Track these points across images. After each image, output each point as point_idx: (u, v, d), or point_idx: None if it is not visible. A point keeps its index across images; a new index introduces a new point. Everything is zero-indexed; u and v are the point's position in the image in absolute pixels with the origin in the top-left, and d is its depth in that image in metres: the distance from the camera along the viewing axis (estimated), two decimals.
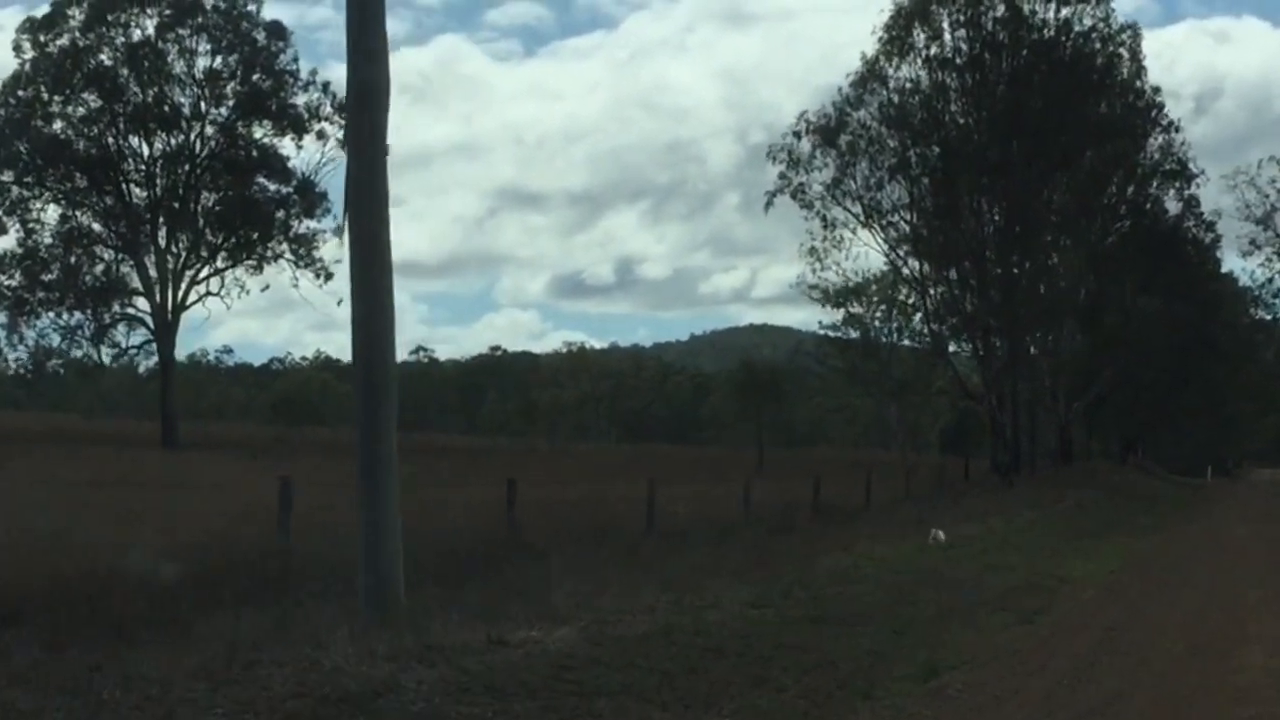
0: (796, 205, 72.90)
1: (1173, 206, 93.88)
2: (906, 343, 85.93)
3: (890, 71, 71.88)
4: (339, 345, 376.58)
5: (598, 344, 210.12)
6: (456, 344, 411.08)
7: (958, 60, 71.80)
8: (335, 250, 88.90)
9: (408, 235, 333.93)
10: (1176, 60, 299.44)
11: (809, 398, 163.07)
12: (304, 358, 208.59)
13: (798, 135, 72.28)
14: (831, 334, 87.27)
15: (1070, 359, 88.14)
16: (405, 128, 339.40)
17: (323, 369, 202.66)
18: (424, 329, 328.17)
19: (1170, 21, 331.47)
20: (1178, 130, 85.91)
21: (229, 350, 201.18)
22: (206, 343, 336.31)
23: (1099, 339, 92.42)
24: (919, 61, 71.71)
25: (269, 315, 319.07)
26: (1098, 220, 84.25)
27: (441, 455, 61.11)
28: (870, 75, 71.78)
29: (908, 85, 71.64)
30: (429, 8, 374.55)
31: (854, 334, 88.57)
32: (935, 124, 71.61)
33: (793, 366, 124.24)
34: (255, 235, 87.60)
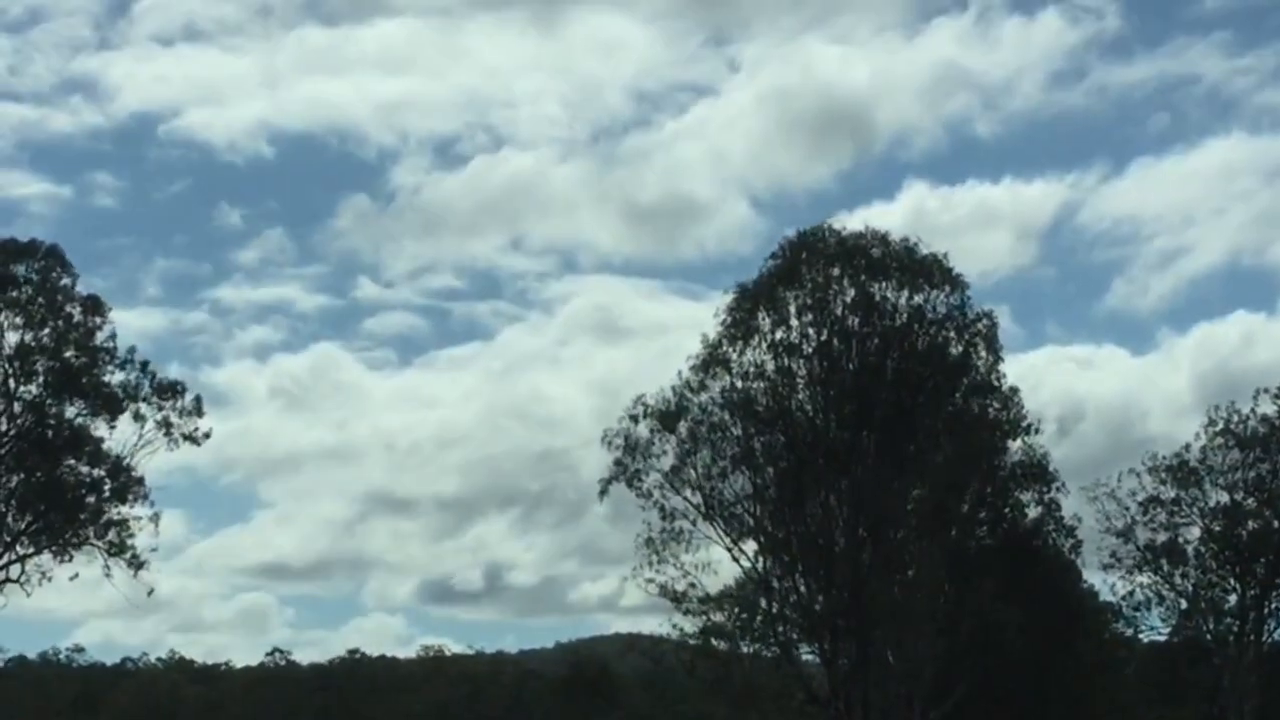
0: (633, 495, 68.56)
1: (1033, 512, 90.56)
2: (754, 647, 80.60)
3: (734, 356, 68.19)
4: (207, 647, 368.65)
5: (465, 650, 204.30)
6: (323, 647, 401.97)
7: (805, 347, 68.25)
8: (150, 538, 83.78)
9: (276, 538, 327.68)
10: (1039, 384, 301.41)
11: (671, 705, 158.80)
12: (159, 658, 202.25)
13: (634, 419, 68.38)
14: (691, 641, 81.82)
15: (926, 665, 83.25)
16: (278, 432, 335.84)
17: (175, 670, 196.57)
18: (290, 631, 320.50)
19: (1033, 346, 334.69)
20: (1037, 432, 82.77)
21: (80, 649, 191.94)
22: (65, 640, 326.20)
23: (957, 646, 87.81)
24: (764, 346, 68.08)
25: (130, 616, 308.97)
26: (955, 522, 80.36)
27: None
28: (712, 360, 68.05)
29: (751, 370, 67.85)
30: (305, 315, 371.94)
31: (717, 643, 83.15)
32: (781, 411, 67.89)
33: (658, 674, 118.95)
34: (61, 520, 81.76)
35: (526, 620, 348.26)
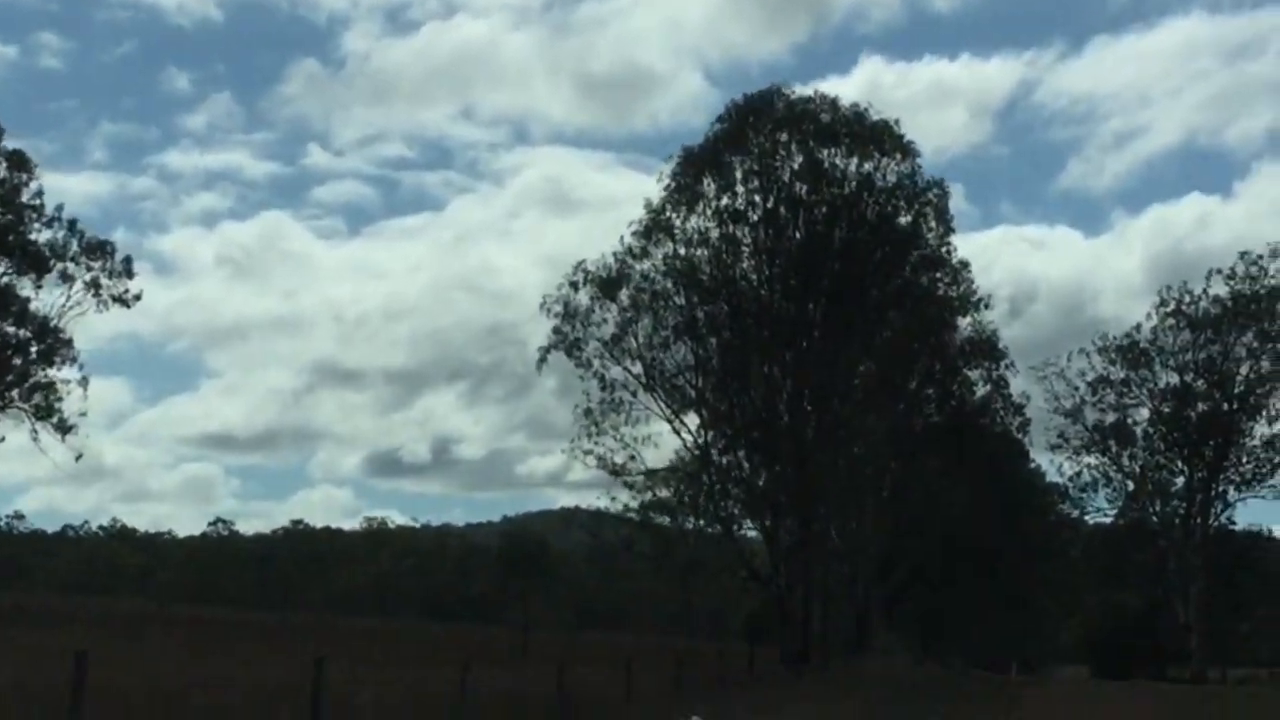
0: (572, 364, 66.54)
1: (981, 390, 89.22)
2: (696, 523, 78.86)
3: (677, 223, 65.89)
4: (150, 517, 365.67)
5: (410, 523, 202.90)
6: (268, 519, 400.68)
7: (751, 215, 65.98)
8: (79, 402, 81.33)
9: (222, 408, 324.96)
10: (992, 263, 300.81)
11: (612, 581, 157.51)
12: (101, 527, 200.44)
13: (574, 286, 66.12)
14: (635, 516, 79.99)
15: (869, 543, 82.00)
16: (225, 301, 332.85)
17: (117, 538, 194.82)
18: (235, 502, 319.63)
19: (986, 226, 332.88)
20: (987, 307, 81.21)
21: (20, 516, 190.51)
22: (10, 507, 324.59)
23: (902, 524, 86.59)
24: (708, 213, 65.78)
25: (74, 484, 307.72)
26: (902, 398, 78.82)
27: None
28: (655, 226, 65.73)
29: (695, 237, 65.62)
30: (253, 182, 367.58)
31: (657, 518, 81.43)
32: (725, 281, 65.72)
33: (599, 549, 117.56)
34: None
35: (473, 494, 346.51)
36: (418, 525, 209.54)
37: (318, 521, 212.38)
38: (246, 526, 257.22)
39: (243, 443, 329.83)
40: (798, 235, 66.00)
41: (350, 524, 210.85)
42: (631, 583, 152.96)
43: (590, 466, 67.23)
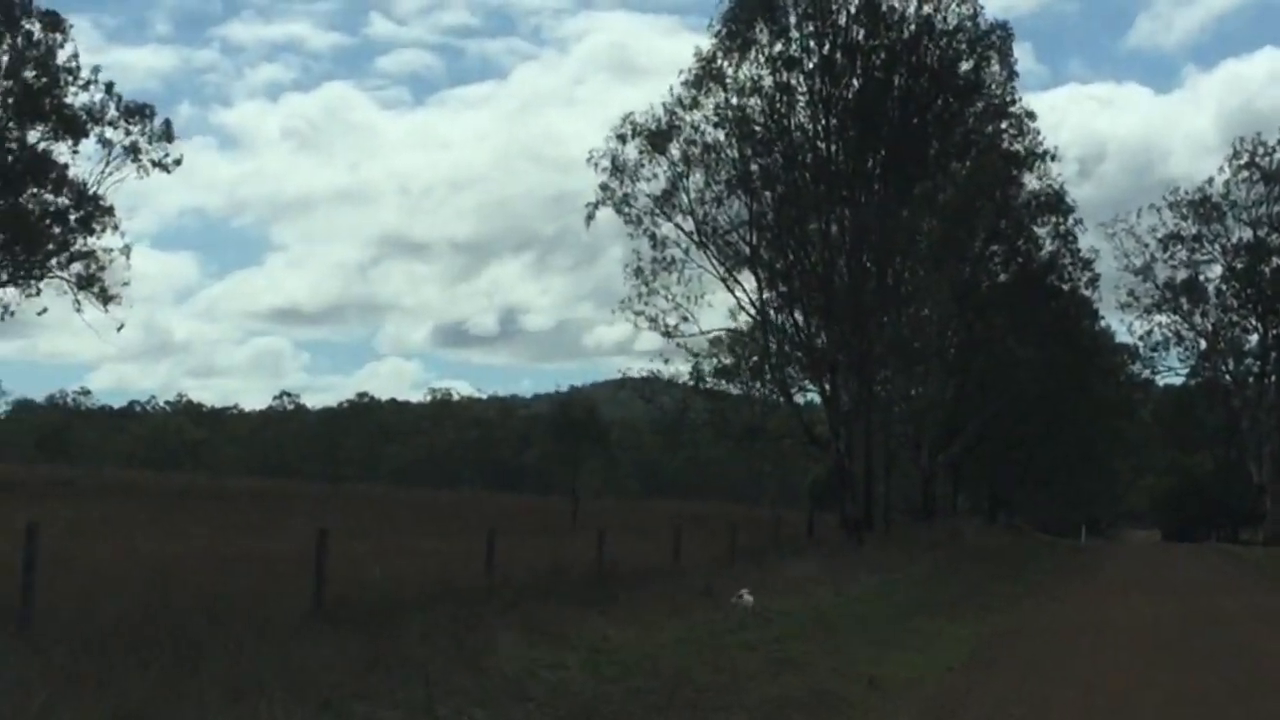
0: (621, 220, 63.90)
1: (1049, 246, 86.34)
2: (758, 385, 76.06)
3: (729, 71, 62.80)
4: (221, 391, 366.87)
5: (476, 394, 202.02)
6: (335, 392, 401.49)
7: (806, 61, 62.88)
8: (122, 271, 79.42)
9: (289, 281, 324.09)
10: (1060, 123, 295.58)
11: (678, 450, 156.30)
12: (167, 402, 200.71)
13: (622, 139, 63.21)
14: (702, 385, 77.10)
15: (934, 406, 79.54)
16: (289, 173, 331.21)
17: (183, 413, 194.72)
18: (305, 376, 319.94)
19: (1054, 85, 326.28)
20: (1054, 159, 78.06)
21: (86, 392, 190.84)
22: (79, 384, 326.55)
23: (967, 384, 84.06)
24: (761, 60, 62.65)
25: (144, 360, 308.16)
26: (966, 255, 76.10)
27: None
28: (706, 74, 62.68)
29: (748, 86, 62.57)
30: (316, 53, 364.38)
31: (727, 386, 78.51)
32: (779, 132, 62.73)
33: (660, 417, 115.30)
34: (28, 253, 77.28)
35: (540, 365, 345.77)
36: (483, 396, 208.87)
37: (383, 394, 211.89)
38: (313, 400, 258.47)
39: (310, 316, 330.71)
40: (855, 83, 62.87)
41: (416, 396, 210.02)
42: (694, 451, 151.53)
43: (642, 328, 64.89)
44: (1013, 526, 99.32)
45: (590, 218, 64.10)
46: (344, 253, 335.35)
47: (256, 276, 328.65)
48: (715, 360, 71.48)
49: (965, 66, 64.25)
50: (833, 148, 62.78)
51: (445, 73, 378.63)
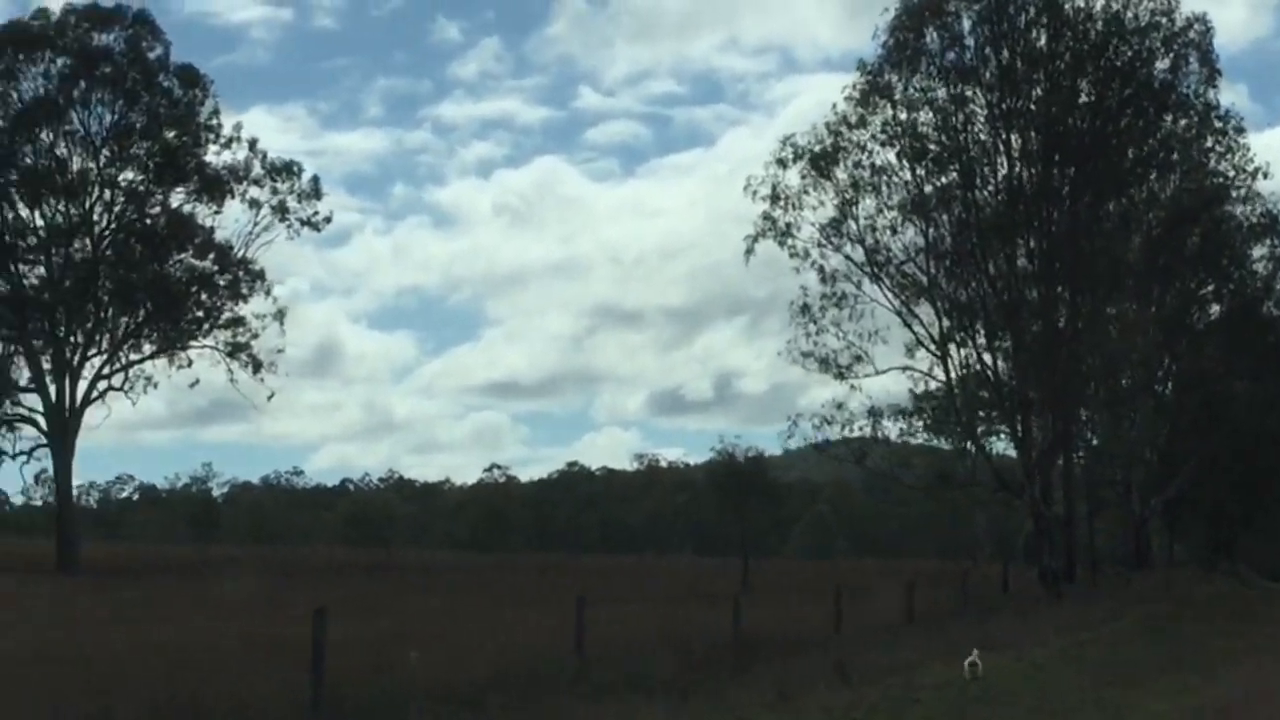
0: (785, 253, 58.68)
1: (1262, 269, 79.66)
2: (930, 432, 69.53)
3: (897, 84, 57.36)
4: (440, 467, 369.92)
5: (695, 460, 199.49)
6: (549, 464, 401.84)
7: (983, 71, 57.24)
8: (274, 337, 76.07)
9: (505, 355, 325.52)
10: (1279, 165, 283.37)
11: (892, 508, 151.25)
12: (380, 479, 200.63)
13: (782, 164, 58.01)
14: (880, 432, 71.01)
15: (1144, 445, 73.16)
16: (502, 249, 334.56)
17: (392, 489, 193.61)
18: (523, 449, 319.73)
19: (1271, 124, 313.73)
20: (1265, 176, 71.15)
21: (298, 472, 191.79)
22: (299, 464, 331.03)
23: (1179, 423, 77.46)
24: (933, 71, 57.16)
25: (366, 439, 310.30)
26: (1170, 278, 69.89)
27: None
28: (872, 89, 57.28)
29: (918, 99, 57.07)
30: (526, 128, 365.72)
31: (938, 441, 72.36)
32: (955, 149, 57.12)
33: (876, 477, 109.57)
34: (172, 322, 74.12)
35: (755, 428, 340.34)
36: (690, 462, 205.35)
37: (597, 464, 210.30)
38: (526, 473, 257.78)
39: (527, 389, 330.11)
40: (1038, 92, 57.09)
41: (628, 465, 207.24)
42: (906, 509, 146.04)
43: (810, 370, 59.41)
44: (1234, 574, 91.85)
45: (749, 251, 59.04)
46: (558, 324, 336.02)
47: (473, 352, 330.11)
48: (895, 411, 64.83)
49: (1160, 66, 57.85)
50: (1014, 162, 56.99)
51: (653, 142, 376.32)
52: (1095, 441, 67.63)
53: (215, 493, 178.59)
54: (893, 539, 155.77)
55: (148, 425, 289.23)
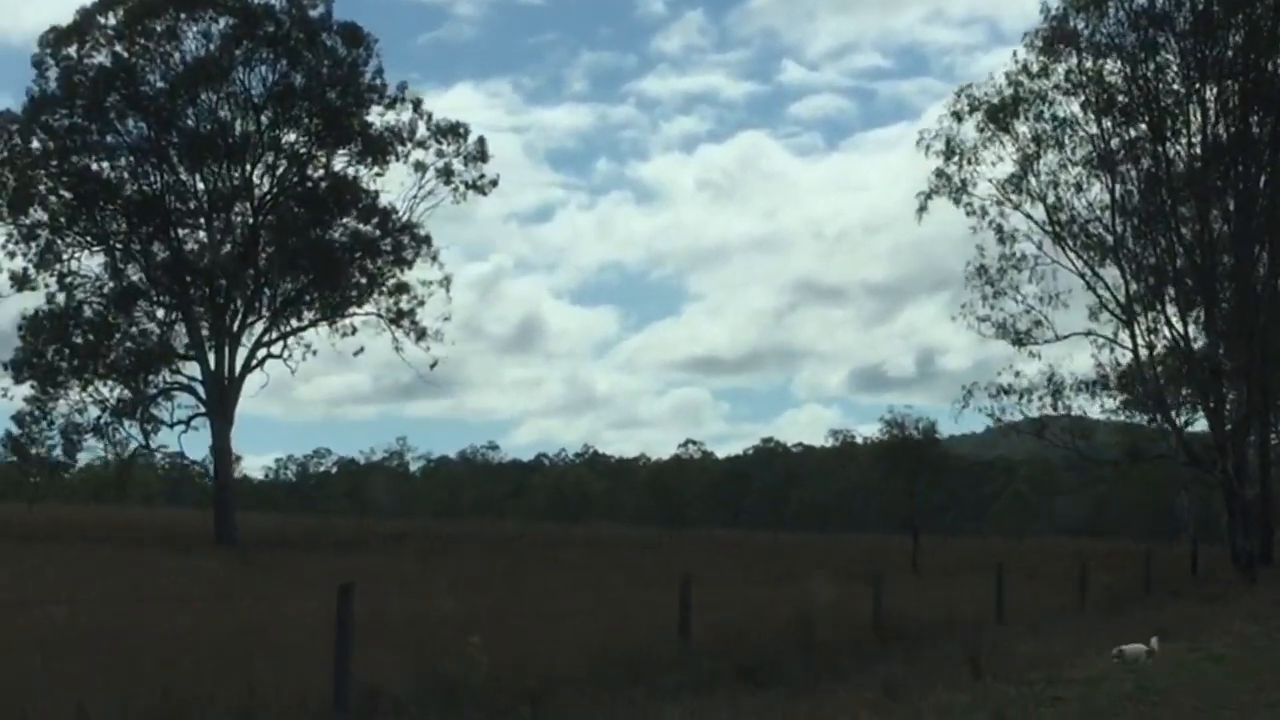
0: (962, 212, 55.14)
1: None
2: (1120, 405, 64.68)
3: (1084, 30, 53.44)
4: (642, 443, 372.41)
5: (876, 434, 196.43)
6: (747, 440, 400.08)
7: (1178, 18, 53.11)
8: (442, 304, 73.86)
9: (706, 331, 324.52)
10: None
11: (1092, 486, 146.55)
12: (576, 455, 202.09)
13: (957, 116, 54.48)
14: (1113, 418, 66.99)
15: None
16: (705, 224, 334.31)
17: (586, 465, 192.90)
18: (724, 425, 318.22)
19: None
20: None
21: (494, 447, 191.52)
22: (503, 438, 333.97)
23: None
24: (1122, 16, 53.17)
25: (568, 414, 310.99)
26: None
27: None
28: (1056, 35, 53.41)
29: (1104, 45, 53.12)
30: (731, 103, 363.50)
31: (1126, 414, 68.03)
32: (1145, 99, 53.09)
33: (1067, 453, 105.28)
34: (333, 288, 72.10)
35: (956, 404, 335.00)
36: (884, 437, 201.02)
37: (796, 440, 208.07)
38: (722, 449, 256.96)
39: (728, 365, 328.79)
40: (1236, 38, 52.87)
41: (824, 442, 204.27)
42: (1105, 489, 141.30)
43: (986, 335, 55.81)
44: None
45: (922, 209, 55.64)
46: (760, 300, 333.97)
47: (675, 327, 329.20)
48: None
49: None
50: (1210, 117, 52.81)
51: (858, 116, 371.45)
52: None
53: (412, 467, 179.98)
54: (1093, 520, 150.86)
55: (352, 399, 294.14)
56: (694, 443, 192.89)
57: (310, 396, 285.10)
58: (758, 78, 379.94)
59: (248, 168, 71.45)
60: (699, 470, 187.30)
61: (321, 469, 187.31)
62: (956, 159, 54.53)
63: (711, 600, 22.83)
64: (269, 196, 72.13)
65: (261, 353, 71.62)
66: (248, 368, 71.35)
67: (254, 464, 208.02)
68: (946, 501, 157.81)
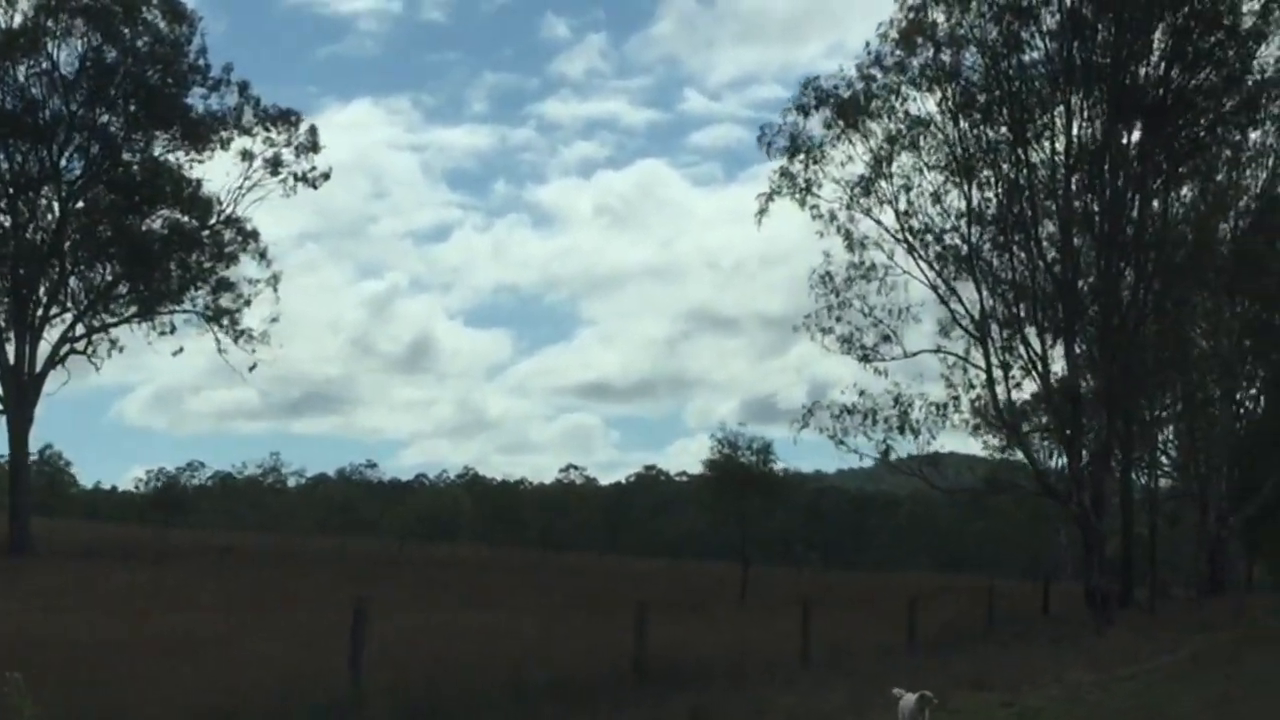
0: (807, 214, 51.06)
1: None
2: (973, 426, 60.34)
3: (942, 21, 49.34)
4: (532, 467, 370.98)
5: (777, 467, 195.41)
6: (629, 468, 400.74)
7: (1045, 15, 49.22)
8: (269, 305, 69.29)
9: (599, 357, 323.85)
10: None
11: (973, 523, 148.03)
12: (457, 476, 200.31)
13: (803, 110, 50.41)
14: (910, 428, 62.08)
15: (1220, 454, 65.12)
16: (601, 250, 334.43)
17: (463, 487, 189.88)
18: (614, 452, 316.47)
19: None
20: None
21: (372, 465, 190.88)
22: (394, 459, 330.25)
23: (1262, 432, 69.38)
24: (984, 10, 49.10)
25: (459, 437, 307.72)
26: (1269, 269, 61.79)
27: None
28: (913, 28, 49.25)
29: (964, 37, 49.08)
30: (631, 129, 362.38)
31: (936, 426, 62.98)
32: (1006, 98, 49.10)
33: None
34: (145, 281, 67.34)
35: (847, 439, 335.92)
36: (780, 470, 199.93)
37: (675, 469, 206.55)
38: (610, 476, 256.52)
39: (619, 392, 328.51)
40: (1103, 35, 48.97)
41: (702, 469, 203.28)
42: (991, 523, 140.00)
43: (830, 349, 51.53)
44: None
45: (762, 211, 51.43)
46: (654, 328, 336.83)
47: (568, 353, 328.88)
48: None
49: (1248, 8, 49.35)
50: (1074, 116, 48.84)
51: (757, 148, 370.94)
52: (1165, 449, 59.37)
53: (290, 483, 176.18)
54: (974, 555, 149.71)
55: (241, 415, 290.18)
56: (576, 468, 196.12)
57: (199, 409, 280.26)
58: (659, 105, 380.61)
59: (56, 149, 66.52)
60: (578, 497, 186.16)
61: (195, 482, 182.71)
62: (802, 157, 50.35)
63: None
64: (79, 181, 67.20)
65: (65, 348, 66.65)
66: (50, 363, 66.32)
67: (128, 476, 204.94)
68: (806, 531, 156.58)
